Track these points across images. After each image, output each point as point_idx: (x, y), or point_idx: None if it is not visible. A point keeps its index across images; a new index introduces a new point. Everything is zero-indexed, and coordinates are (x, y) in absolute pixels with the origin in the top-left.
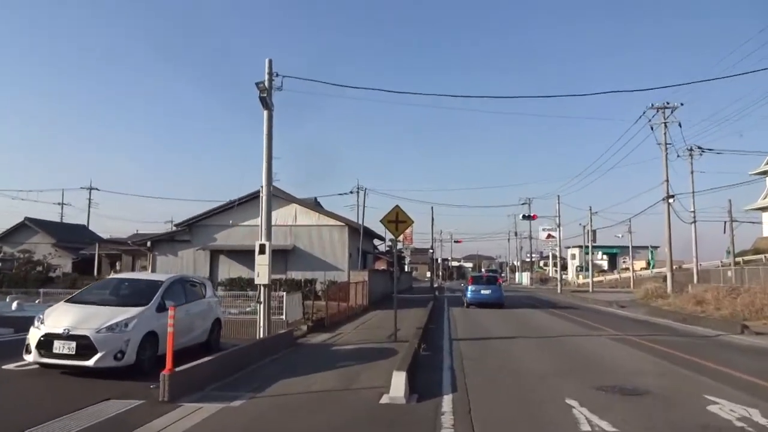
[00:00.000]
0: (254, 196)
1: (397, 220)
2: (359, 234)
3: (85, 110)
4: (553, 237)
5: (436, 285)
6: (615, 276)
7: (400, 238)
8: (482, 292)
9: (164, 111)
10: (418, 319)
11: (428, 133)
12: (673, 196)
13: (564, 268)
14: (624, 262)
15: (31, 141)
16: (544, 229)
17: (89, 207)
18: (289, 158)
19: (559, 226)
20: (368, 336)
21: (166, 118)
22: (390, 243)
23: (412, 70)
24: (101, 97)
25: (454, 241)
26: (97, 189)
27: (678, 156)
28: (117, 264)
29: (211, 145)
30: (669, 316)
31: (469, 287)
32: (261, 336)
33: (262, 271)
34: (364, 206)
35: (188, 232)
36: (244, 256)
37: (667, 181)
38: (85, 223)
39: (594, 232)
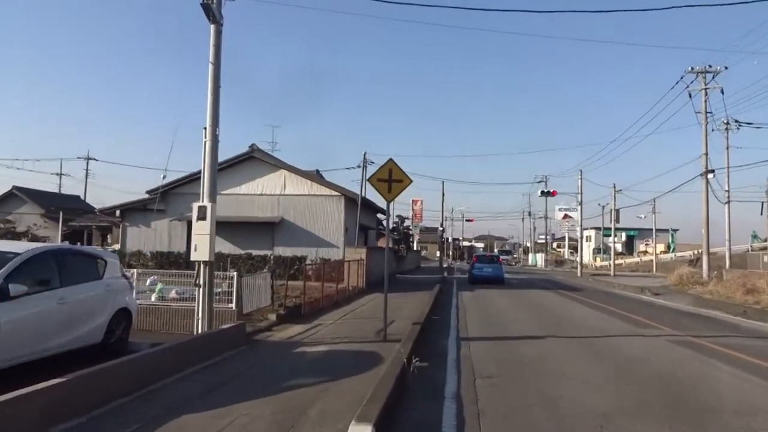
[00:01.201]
0: (238, 160)
1: (391, 179)
2: (357, 206)
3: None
4: (570, 217)
5: (445, 265)
6: (635, 259)
7: (408, 212)
8: (484, 270)
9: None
10: (420, 307)
11: (439, 108)
12: (712, 171)
13: (576, 249)
14: (647, 244)
15: (32, 107)
16: (560, 209)
17: (86, 177)
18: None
19: (580, 203)
20: (352, 331)
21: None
22: (397, 219)
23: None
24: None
25: (466, 220)
26: (95, 159)
27: (713, 130)
28: (108, 236)
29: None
30: (721, 308)
31: (474, 265)
32: (199, 331)
33: (201, 243)
34: (364, 172)
35: (162, 200)
36: (227, 228)
37: (706, 154)
38: (81, 194)
39: (617, 211)
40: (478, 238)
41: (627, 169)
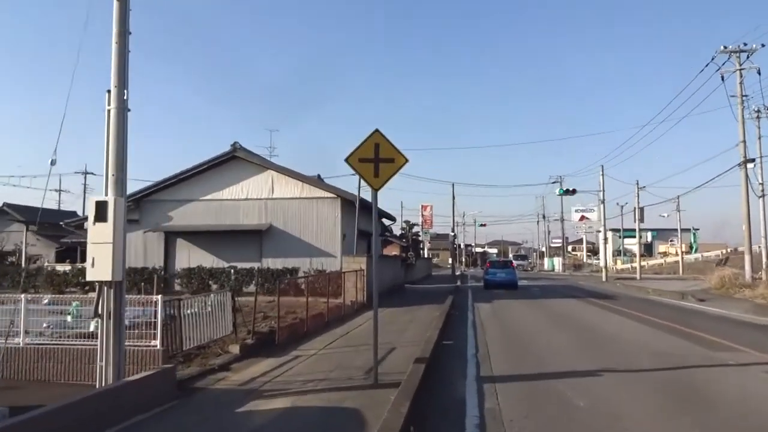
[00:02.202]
0: (218, 161)
1: (378, 158)
2: (356, 208)
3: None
4: (588, 219)
5: (458, 273)
6: (657, 260)
7: (417, 218)
8: (498, 275)
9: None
10: (427, 329)
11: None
12: (752, 161)
13: (595, 252)
14: (671, 243)
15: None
16: (577, 210)
17: (84, 192)
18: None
19: (602, 201)
20: (335, 367)
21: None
22: (405, 226)
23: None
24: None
25: (479, 225)
26: (92, 174)
27: (747, 117)
28: None
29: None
30: None
31: (488, 270)
32: (104, 383)
33: (101, 255)
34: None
35: (136, 209)
36: (209, 238)
37: (744, 142)
38: (80, 209)
39: (642, 210)
40: (491, 244)
41: (646, 167)
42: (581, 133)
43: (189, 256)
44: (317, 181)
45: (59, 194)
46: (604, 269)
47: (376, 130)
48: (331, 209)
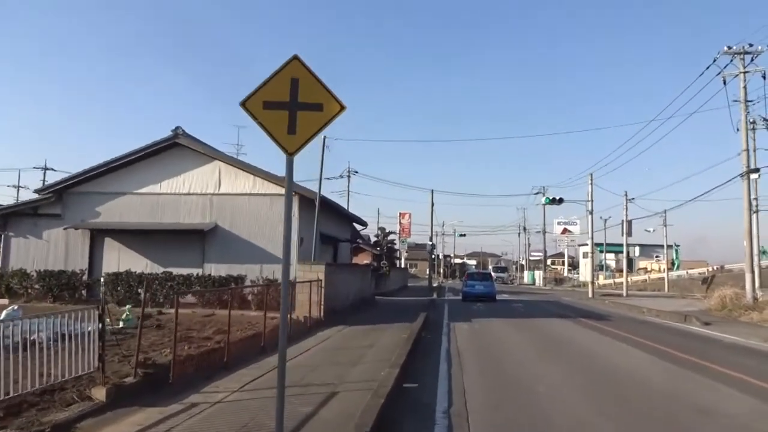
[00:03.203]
0: (156, 148)
1: (295, 102)
2: (315, 207)
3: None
4: (570, 231)
5: (435, 284)
6: (641, 277)
7: (394, 225)
8: (477, 287)
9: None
10: (387, 361)
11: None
12: (757, 171)
13: (575, 267)
14: (658, 258)
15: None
16: (559, 223)
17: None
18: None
19: (591, 212)
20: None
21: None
22: (380, 232)
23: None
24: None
25: (459, 235)
26: (53, 169)
27: (737, 130)
28: None
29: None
30: None
31: (466, 282)
32: None
33: None
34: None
35: (58, 201)
36: (142, 239)
37: (748, 150)
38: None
39: (630, 223)
40: (470, 255)
41: (630, 181)
42: (567, 143)
43: (119, 259)
44: (272, 176)
45: (17, 190)
46: (590, 285)
47: (295, 57)
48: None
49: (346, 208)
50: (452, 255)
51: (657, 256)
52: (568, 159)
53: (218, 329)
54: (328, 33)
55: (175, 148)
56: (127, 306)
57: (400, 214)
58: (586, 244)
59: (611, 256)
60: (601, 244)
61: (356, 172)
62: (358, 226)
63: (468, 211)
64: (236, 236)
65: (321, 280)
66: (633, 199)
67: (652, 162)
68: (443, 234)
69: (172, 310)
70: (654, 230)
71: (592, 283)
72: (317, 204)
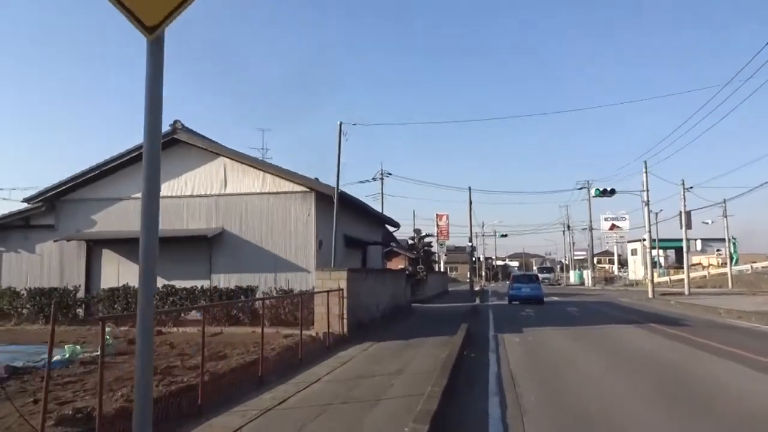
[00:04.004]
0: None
1: None
2: (335, 206)
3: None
4: (619, 227)
5: (477, 288)
6: (700, 273)
7: (432, 230)
8: (523, 290)
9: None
10: (416, 397)
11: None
12: None
13: (622, 265)
14: (719, 252)
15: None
16: (606, 219)
17: None
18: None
19: (647, 203)
20: None
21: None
22: (415, 235)
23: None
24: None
25: (501, 235)
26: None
27: None
28: None
29: None
30: None
31: (512, 285)
32: None
33: None
34: (339, 147)
35: (51, 210)
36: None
37: None
38: None
39: (689, 214)
40: (512, 257)
41: (684, 168)
42: (612, 134)
43: (119, 272)
44: (284, 171)
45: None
46: (650, 283)
47: None
48: (303, 207)
49: (380, 211)
50: (494, 257)
51: (718, 250)
52: (611, 153)
53: (214, 353)
54: (357, 37)
55: (175, 146)
56: (108, 329)
57: (437, 215)
58: (636, 241)
59: (656, 252)
60: (654, 240)
61: (389, 174)
62: (391, 229)
63: (508, 210)
64: (246, 242)
65: (342, 290)
66: (691, 188)
67: (709, 147)
68: (483, 235)
69: (175, 329)
70: (713, 222)
71: (652, 281)
72: (335, 200)
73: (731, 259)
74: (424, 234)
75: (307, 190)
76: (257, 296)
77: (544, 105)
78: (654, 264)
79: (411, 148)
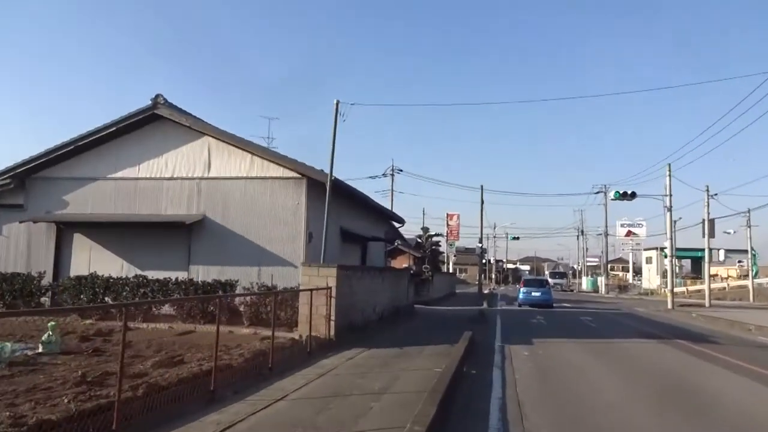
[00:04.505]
0: (132, 120)
1: None
2: (327, 194)
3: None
4: (635, 234)
5: (486, 291)
6: (720, 284)
7: (442, 229)
8: (533, 294)
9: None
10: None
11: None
12: None
13: (637, 272)
14: (741, 264)
15: None
16: (623, 225)
17: None
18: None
19: (669, 209)
20: None
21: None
22: (423, 232)
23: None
24: None
25: (512, 238)
26: None
27: None
28: None
29: None
30: None
31: (522, 289)
32: None
33: None
34: (335, 128)
35: (20, 189)
36: (117, 234)
37: None
38: None
39: (712, 222)
40: (523, 260)
41: (704, 175)
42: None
43: (90, 259)
44: (274, 154)
45: None
46: (670, 294)
47: None
48: (293, 195)
49: (389, 208)
50: (504, 260)
51: (740, 261)
52: (630, 157)
53: (169, 358)
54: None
55: (156, 122)
56: (50, 323)
57: (447, 215)
58: (652, 249)
59: (675, 261)
60: (662, 249)
61: (400, 170)
62: (397, 225)
63: (521, 213)
64: (229, 231)
65: (330, 288)
66: (716, 194)
67: (732, 154)
68: (495, 237)
69: (145, 325)
70: (735, 232)
71: (672, 292)
72: (328, 187)
73: (751, 271)
74: (433, 233)
75: (299, 176)
76: (237, 291)
77: (566, 106)
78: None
79: (422, 148)
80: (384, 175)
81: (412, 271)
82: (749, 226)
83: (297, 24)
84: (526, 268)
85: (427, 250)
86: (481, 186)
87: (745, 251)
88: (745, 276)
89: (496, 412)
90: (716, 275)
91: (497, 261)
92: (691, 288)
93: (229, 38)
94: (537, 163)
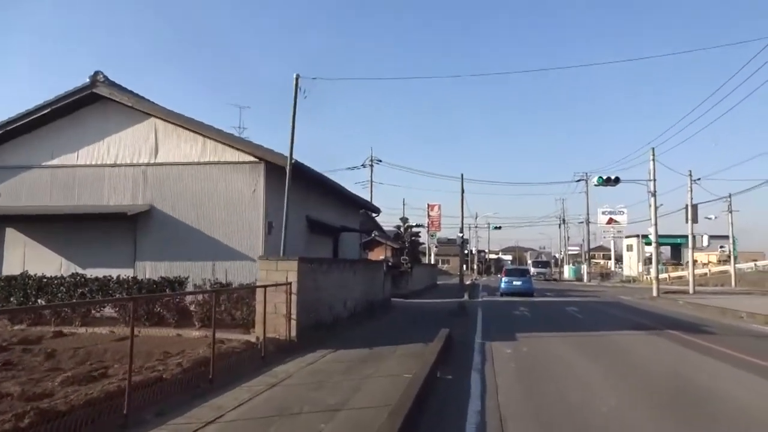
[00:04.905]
0: (70, 100)
1: None
2: (288, 178)
3: None
4: (617, 222)
5: (468, 282)
6: (701, 270)
7: (422, 218)
8: (514, 283)
9: None
10: None
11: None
12: None
13: (617, 260)
14: (722, 249)
15: None
16: (604, 212)
17: None
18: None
19: (653, 193)
20: None
21: None
22: (401, 223)
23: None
24: None
25: (494, 227)
26: None
27: None
28: None
29: None
30: None
31: (503, 279)
32: None
33: None
34: (295, 104)
35: None
36: (56, 228)
37: None
38: None
39: (695, 207)
40: (505, 250)
41: (689, 160)
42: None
43: (24, 257)
44: (228, 136)
45: None
46: (655, 281)
47: None
48: (250, 181)
49: (369, 200)
50: (487, 250)
51: (721, 247)
52: (611, 146)
53: (88, 371)
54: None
55: (97, 103)
56: None
57: (428, 205)
58: (633, 236)
59: (650, 248)
60: (644, 236)
61: (379, 160)
62: (379, 218)
63: (502, 202)
64: (180, 223)
65: (290, 284)
66: (699, 179)
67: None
68: (476, 227)
69: (83, 329)
70: (716, 217)
71: (657, 279)
72: (288, 170)
73: (733, 256)
74: (413, 224)
75: (256, 160)
76: (187, 290)
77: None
78: (649, 260)
79: (403, 138)
80: (363, 165)
81: (389, 263)
82: (731, 212)
83: (297, 23)
84: (508, 257)
85: (406, 241)
86: (461, 174)
87: (725, 237)
88: (725, 261)
89: (472, 429)
90: (696, 261)
91: (479, 251)
92: (673, 274)
93: (229, 38)
94: (518, 152)
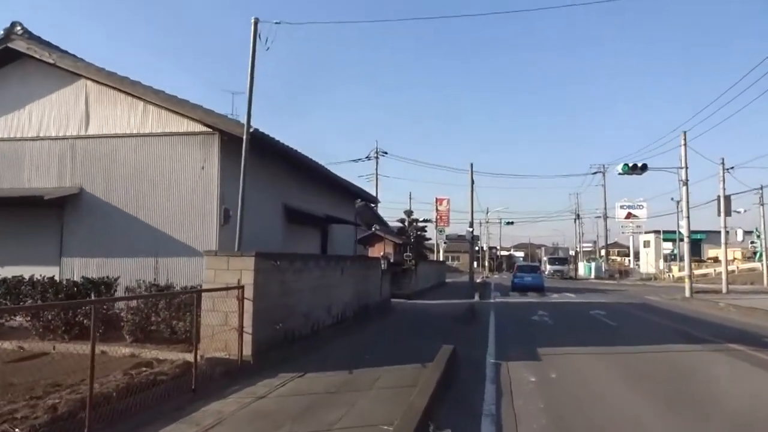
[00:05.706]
0: None
1: None
2: (245, 150)
3: None
4: (635, 216)
5: (478, 280)
6: (730, 268)
7: (430, 213)
8: (525, 278)
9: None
10: None
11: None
12: None
13: (634, 257)
14: (753, 245)
15: None
16: (622, 206)
17: None
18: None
19: (685, 182)
20: None
21: None
22: (405, 216)
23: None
24: None
25: (506, 223)
26: None
27: None
28: None
29: None
30: None
31: (515, 274)
32: None
33: None
34: (253, 56)
35: None
36: None
37: None
38: None
39: (728, 198)
40: (517, 247)
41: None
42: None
43: None
44: (174, 100)
45: None
46: (687, 279)
47: None
48: (202, 156)
49: (374, 195)
50: (498, 246)
51: (752, 242)
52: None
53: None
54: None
55: (16, 62)
56: None
57: (437, 199)
58: (651, 232)
59: (668, 245)
60: (673, 232)
61: (385, 152)
62: (383, 213)
63: (514, 197)
64: (115, 210)
65: (243, 287)
66: (732, 168)
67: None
68: (488, 223)
69: None
70: (746, 211)
71: (690, 277)
72: (245, 142)
73: (755, 254)
74: (420, 218)
75: (209, 130)
76: (117, 295)
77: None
78: (674, 257)
79: (411, 130)
80: (368, 158)
81: (390, 260)
82: (762, 204)
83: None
84: (520, 254)
85: (410, 236)
86: (471, 164)
87: (750, 232)
88: (750, 258)
89: None
90: (716, 258)
91: (491, 248)
92: (697, 272)
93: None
94: (531, 142)
